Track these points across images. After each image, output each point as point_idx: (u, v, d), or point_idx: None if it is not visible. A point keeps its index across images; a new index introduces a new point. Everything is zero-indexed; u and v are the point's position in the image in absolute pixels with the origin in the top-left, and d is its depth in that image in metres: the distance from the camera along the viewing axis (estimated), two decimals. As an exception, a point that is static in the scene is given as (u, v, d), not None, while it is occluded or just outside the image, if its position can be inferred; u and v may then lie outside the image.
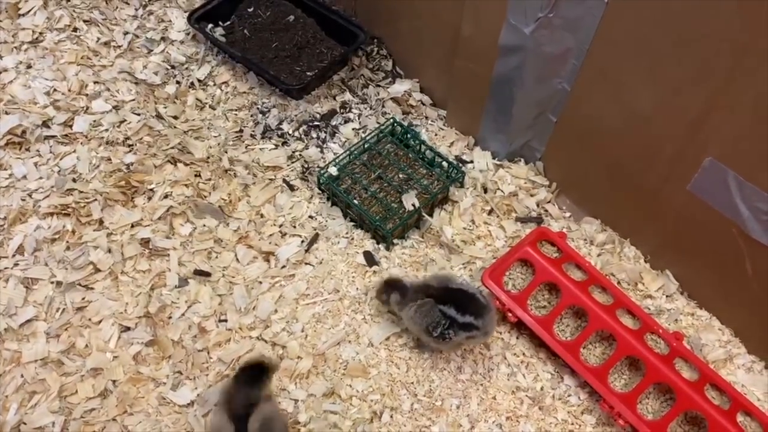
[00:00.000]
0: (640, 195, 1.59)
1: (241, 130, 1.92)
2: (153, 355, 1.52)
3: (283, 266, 1.67)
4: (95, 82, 1.95)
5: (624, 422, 1.41)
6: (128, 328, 1.54)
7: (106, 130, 1.86)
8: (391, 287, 1.50)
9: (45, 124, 1.84)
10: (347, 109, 1.99)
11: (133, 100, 1.93)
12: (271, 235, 1.71)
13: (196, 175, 1.80)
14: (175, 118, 1.91)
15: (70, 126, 1.85)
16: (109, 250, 1.64)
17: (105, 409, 1.43)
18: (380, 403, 1.47)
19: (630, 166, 1.56)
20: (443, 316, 1.42)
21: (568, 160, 1.76)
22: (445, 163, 1.80)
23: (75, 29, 2.05)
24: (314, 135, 1.93)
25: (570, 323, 1.60)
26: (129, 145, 1.84)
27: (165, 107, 1.93)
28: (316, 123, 1.95)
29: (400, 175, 1.79)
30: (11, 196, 1.70)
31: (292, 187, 1.81)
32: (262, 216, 1.75)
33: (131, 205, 1.73)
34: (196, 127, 1.90)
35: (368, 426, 1.44)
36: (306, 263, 1.68)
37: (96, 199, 1.71)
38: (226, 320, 1.57)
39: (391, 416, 1.46)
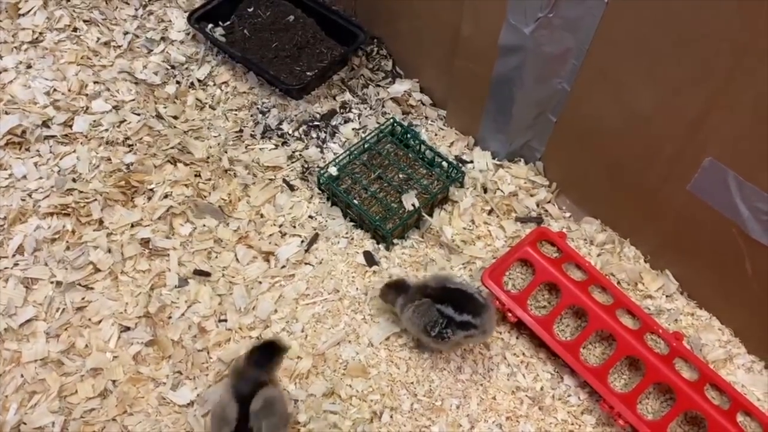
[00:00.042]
0: (639, 195, 1.59)
1: (241, 130, 1.92)
2: (153, 355, 1.52)
3: (283, 266, 1.67)
4: (95, 82, 1.95)
5: (624, 422, 1.41)
6: (128, 328, 1.54)
7: (106, 130, 1.86)
8: (397, 290, 1.50)
9: (45, 124, 1.84)
10: (347, 109, 1.99)
11: (133, 100, 1.93)
12: (271, 235, 1.72)
13: (196, 175, 1.80)
14: (175, 118, 1.91)
15: (70, 126, 1.85)
16: (109, 250, 1.64)
17: (105, 409, 1.43)
18: (380, 403, 1.47)
19: (630, 166, 1.56)
20: (441, 315, 1.42)
21: (568, 160, 1.76)
22: (445, 163, 1.80)
23: (75, 29, 2.05)
24: (314, 135, 1.93)
25: (570, 323, 1.60)
26: (129, 145, 1.84)
27: (165, 107, 1.93)
28: (316, 123, 1.95)
29: (400, 175, 1.79)
30: (11, 196, 1.70)
31: (292, 187, 1.81)
32: (262, 216, 1.75)
33: (131, 205, 1.73)
34: (196, 127, 1.90)
35: (368, 426, 1.44)
36: (306, 263, 1.68)
37: (96, 199, 1.71)
38: (225, 320, 1.57)
39: (391, 416, 1.46)
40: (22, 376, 1.46)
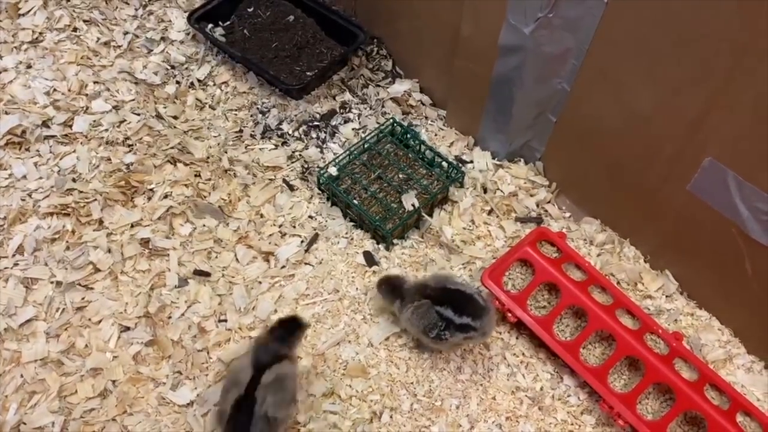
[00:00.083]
0: (639, 195, 1.59)
1: (240, 130, 1.92)
2: (153, 355, 1.52)
3: (283, 266, 1.67)
4: (95, 82, 1.95)
5: (624, 422, 1.41)
6: (128, 328, 1.54)
7: (106, 130, 1.86)
8: (394, 290, 1.49)
9: (45, 124, 1.84)
10: (347, 109, 1.99)
11: (133, 100, 1.94)
12: (270, 235, 1.72)
13: (195, 175, 1.80)
14: (175, 118, 1.91)
15: (70, 126, 1.85)
16: (109, 250, 1.64)
17: (105, 409, 1.43)
18: (380, 403, 1.47)
19: (630, 166, 1.56)
20: (440, 317, 1.42)
21: (568, 160, 1.76)
22: (444, 163, 1.80)
23: (75, 29, 2.05)
24: (314, 135, 1.93)
25: (570, 323, 1.60)
26: (129, 145, 1.84)
27: (165, 107, 1.93)
28: (315, 123, 1.95)
29: (400, 175, 1.79)
30: (11, 196, 1.70)
31: (291, 187, 1.81)
32: (261, 216, 1.75)
33: (131, 205, 1.73)
34: (196, 127, 1.90)
35: (368, 426, 1.44)
36: (306, 263, 1.68)
37: (96, 199, 1.71)
38: (225, 320, 1.57)
39: (391, 416, 1.46)
40: (22, 376, 1.46)
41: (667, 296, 1.66)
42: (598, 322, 1.53)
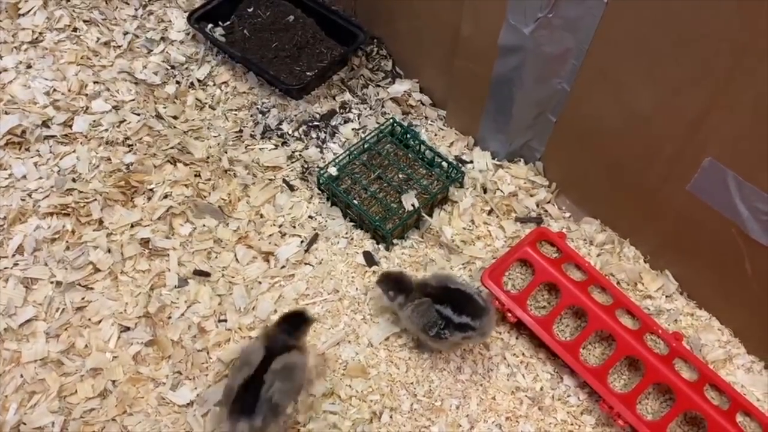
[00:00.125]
0: (639, 195, 1.59)
1: (240, 130, 1.92)
2: (152, 355, 1.52)
3: (283, 266, 1.67)
4: (95, 82, 1.95)
5: (623, 422, 1.41)
6: (128, 328, 1.54)
7: (106, 130, 1.86)
8: (397, 286, 1.49)
9: (45, 124, 1.84)
10: (347, 109, 1.99)
11: (133, 100, 1.94)
12: (270, 235, 1.72)
13: (195, 175, 1.80)
14: (175, 118, 1.91)
15: (70, 126, 1.85)
16: (109, 250, 1.64)
17: (104, 409, 1.43)
18: (380, 403, 1.47)
19: (630, 166, 1.56)
20: (440, 316, 1.42)
21: (568, 160, 1.76)
22: (444, 163, 1.80)
23: (75, 29, 2.06)
24: (314, 135, 1.93)
25: (569, 323, 1.60)
26: (129, 145, 1.84)
27: (165, 107, 1.93)
28: (315, 123, 1.95)
29: (400, 175, 1.79)
30: (11, 196, 1.71)
31: (291, 187, 1.81)
32: (261, 216, 1.75)
33: (131, 205, 1.73)
34: (196, 127, 1.90)
35: (368, 426, 1.44)
36: (305, 263, 1.68)
37: (96, 199, 1.71)
38: (225, 320, 1.57)
39: (391, 416, 1.46)
40: (21, 376, 1.46)
41: (667, 296, 1.66)
42: (598, 323, 1.53)
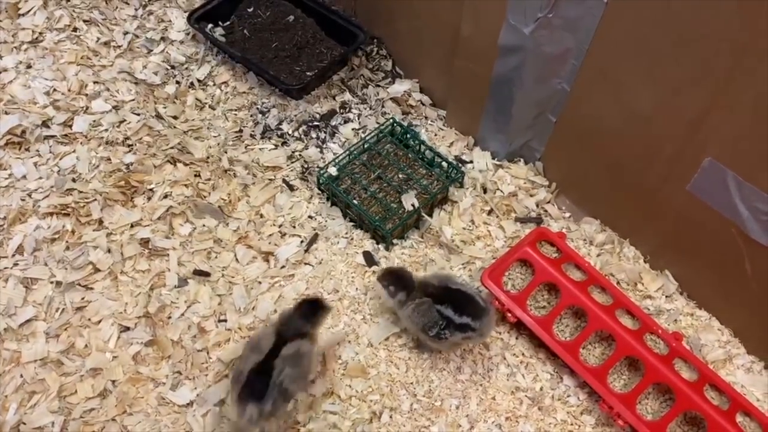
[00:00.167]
0: (639, 195, 1.59)
1: (240, 130, 1.92)
2: (152, 355, 1.52)
3: (283, 266, 1.67)
4: (95, 82, 1.95)
5: (623, 423, 1.41)
6: (128, 328, 1.54)
7: (106, 130, 1.86)
8: (398, 283, 1.48)
9: (45, 124, 1.84)
10: (347, 109, 1.99)
11: (133, 100, 1.94)
12: (270, 235, 1.72)
13: (195, 175, 1.80)
14: (175, 118, 1.91)
15: (70, 126, 1.85)
16: (109, 250, 1.64)
17: (104, 409, 1.43)
18: (379, 403, 1.47)
19: (630, 166, 1.56)
20: (440, 316, 1.42)
21: (568, 160, 1.76)
22: (444, 163, 1.80)
23: (75, 29, 2.06)
24: (314, 135, 1.93)
25: (569, 323, 1.60)
26: (129, 145, 1.84)
27: (165, 107, 1.93)
28: (315, 123, 1.95)
29: (400, 175, 1.79)
30: (11, 196, 1.71)
31: (291, 187, 1.81)
32: (261, 216, 1.75)
33: (131, 205, 1.73)
34: (196, 127, 1.90)
35: (367, 426, 1.44)
36: (305, 263, 1.68)
37: (96, 199, 1.71)
38: (225, 320, 1.57)
39: (391, 416, 1.46)
40: (21, 376, 1.46)
41: (666, 296, 1.66)
42: (597, 323, 1.53)
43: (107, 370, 1.47)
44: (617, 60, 1.41)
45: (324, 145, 1.91)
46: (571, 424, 1.47)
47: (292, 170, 1.85)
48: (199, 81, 2.01)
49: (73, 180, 1.75)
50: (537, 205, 1.81)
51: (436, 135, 1.96)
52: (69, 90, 1.92)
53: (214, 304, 1.59)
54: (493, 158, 1.89)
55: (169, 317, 1.57)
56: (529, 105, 1.69)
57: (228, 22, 2.13)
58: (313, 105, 1.99)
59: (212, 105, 1.97)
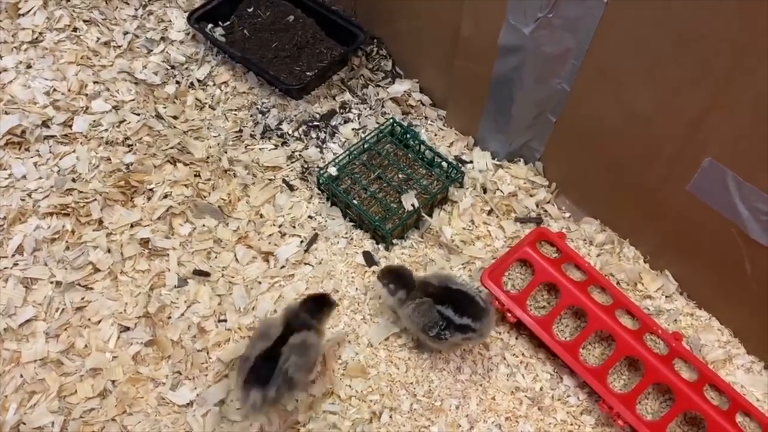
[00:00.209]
0: (639, 195, 1.59)
1: (240, 130, 1.92)
2: (152, 355, 1.52)
3: (283, 266, 1.67)
4: (95, 82, 1.95)
5: (623, 423, 1.41)
6: (127, 328, 1.54)
7: (106, 130, 1.86)
8: (399, 282, 1.48)
9: (45, 124, 1.84)
10: (347, 109, 1.99)
11: (133, 100, 1.94)
12: (270, 235, 1.72)
13: (195, 175, 1.80)
14: (175, 118, 1.91)
15: (70, 126, 1.85)
16: (109, 250, 1.64)
17: (104, 409, 1.43)
18: (379, 403, 1.47)
19: (629, 166, 1.56)
20: (441, 316, 1.42)
21: (568, 161, 1.76)
22: (444, 164, 1.80)
23: (75, 29, 2.06)
24: (314, 135, 1.93)
25: (569, 323, 1.60)
26: (129, 145, 1.84)
27: (165, 107, 1.93)
28: (315, 123, 1.95)
29: (400, 175, 1.79)
30: (11, 196, 1.71)
31: (291, 187, 1.81)
32: (261, 216, 1.75)
33: (131, 205, 1.73)
34: (196, 127, 1.90)
35: (367, 426, 1.44)
36: (305, 263, 1.68)
37: (95, 199, 1.71)
38: (225, 320, 1.57)
39: (391, 416, 1.46)
40: (21, 376, 1.46)
41: (666, 296, 1.66)
42: (597, 323, 1.53)
43: (107, 370, 1.47)
44: (617, 60, 1.41)
45: (324, 145, 1.91)
46: (571, 424, 1.47)
47: (292, 170, 1.85)
48: (199, 81, 2.01)
49: (73, 180, 1.75)
50: (537, 205, 1.81)
51: (436, 135, 1.96)
52: (69, 90, 1.92)
53: (214, 304, 1.59)
54: (493, 158, 1.89)
55: (169, 317, 1.57)
56: (529, 105, 1.69)
57: (228, 22, 2.13)
58: (313, 105, 1.99)
59: (212, 105, 1.97)
